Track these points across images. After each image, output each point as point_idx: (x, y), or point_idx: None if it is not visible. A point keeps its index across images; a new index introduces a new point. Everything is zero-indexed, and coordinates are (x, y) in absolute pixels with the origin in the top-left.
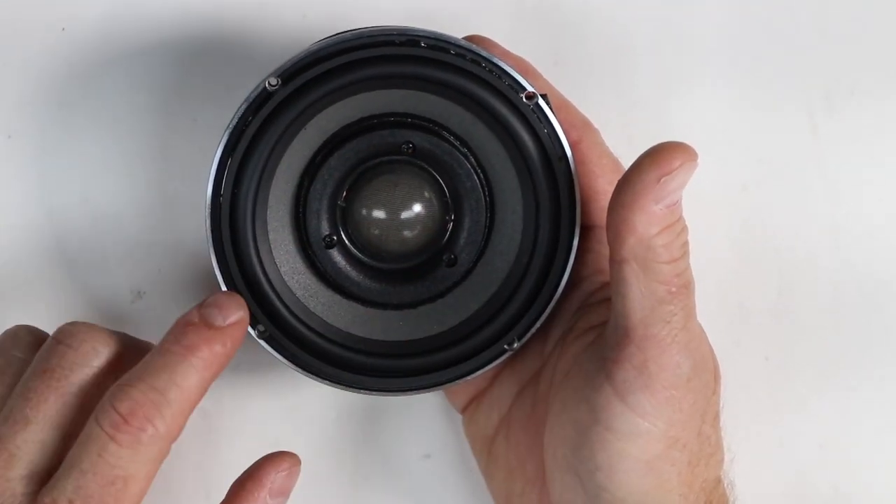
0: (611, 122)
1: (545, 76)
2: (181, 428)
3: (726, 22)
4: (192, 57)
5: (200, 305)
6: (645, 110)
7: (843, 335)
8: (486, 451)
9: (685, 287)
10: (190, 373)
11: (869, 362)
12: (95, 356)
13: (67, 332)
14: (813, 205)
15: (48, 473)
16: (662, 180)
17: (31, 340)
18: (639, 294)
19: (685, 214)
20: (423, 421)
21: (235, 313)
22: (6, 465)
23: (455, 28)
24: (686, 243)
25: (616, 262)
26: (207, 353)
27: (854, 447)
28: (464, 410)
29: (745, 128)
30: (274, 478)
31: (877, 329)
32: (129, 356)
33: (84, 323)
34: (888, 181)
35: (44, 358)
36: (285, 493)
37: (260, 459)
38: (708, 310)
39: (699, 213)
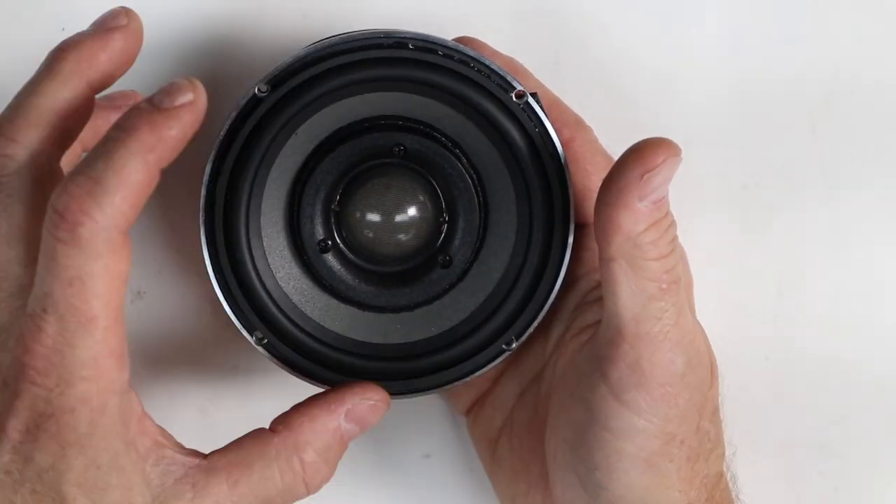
0: (611, 122)
1: (545, 76)
2: (129, 215)
3: (726, 21)
4: (191, 57)
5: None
6: (645, 110)
7: (842, 335)
8: (491, 453)
9: (675, 283)
10: (128, 157)
11: (869, 362)
12: (16, 158)
13: None
14: (813, 205)
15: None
16: (646, 177)
17: None
18: (629, 292)
19: (684, 216)
20: (423, 421)
21: (185, 94)
22: None
23: (455, 30)
24: (675, 239)
25: (605, 260)
26: (148, 135)
27: (854, 447)
28: (467, 413)
29: (745, 128)
30: (357, 402)
31: (876, 328)
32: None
33: (2, 127)
34: (888, 180)
35: None
36: (363, 424)
37: (350, 382)
38: (708, 310)
39: (699, 213)
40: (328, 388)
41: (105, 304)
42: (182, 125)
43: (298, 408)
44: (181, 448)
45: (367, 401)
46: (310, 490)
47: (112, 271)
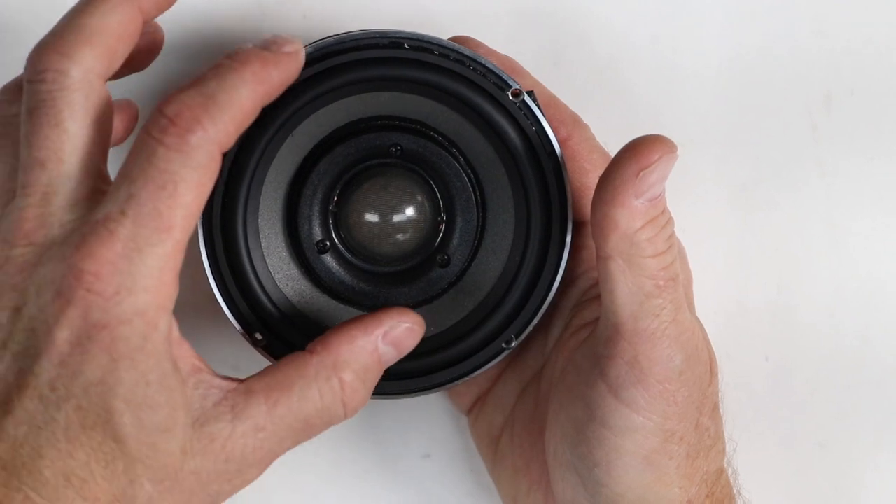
0: (608, 123)
1: (542, 77)
2: (231, 137)
3: (726, 21)
4: (192, 57)
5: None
6: (642, 110)
7: (842, 334)
8: (492, 451)
9: (672, 280)
10: (240, 83)
11: (869, 361)
12: (70, 73)
13: (35, 69)
14: (812, 205)
15: (95, 196)
16: (642, 174)
17: (12, 88)
18: (626, 290)
19: (685, 215)
20: (423, 421)
21: (291, 45)
22: (43, 202)
23: (454, 30)
24: (672, 236)
25: (602, 258)
26: (260, 69)
27: (854, 447)
28: (468, 412)
29: (745, 126)
30: (394, 324)
31: (876, 328)
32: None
33: (52, 43)
34: (887, 180)
35: (25, 101)
36: (399, 347)
37: (386, 307)
38: (707, 309)
39: (699, 213)
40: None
41: (186, 215)
42: (287, 70)
43: (336, 329)
44: (216, 374)
45: (403, 323)
46: (348, 412)
47: (203, 185)
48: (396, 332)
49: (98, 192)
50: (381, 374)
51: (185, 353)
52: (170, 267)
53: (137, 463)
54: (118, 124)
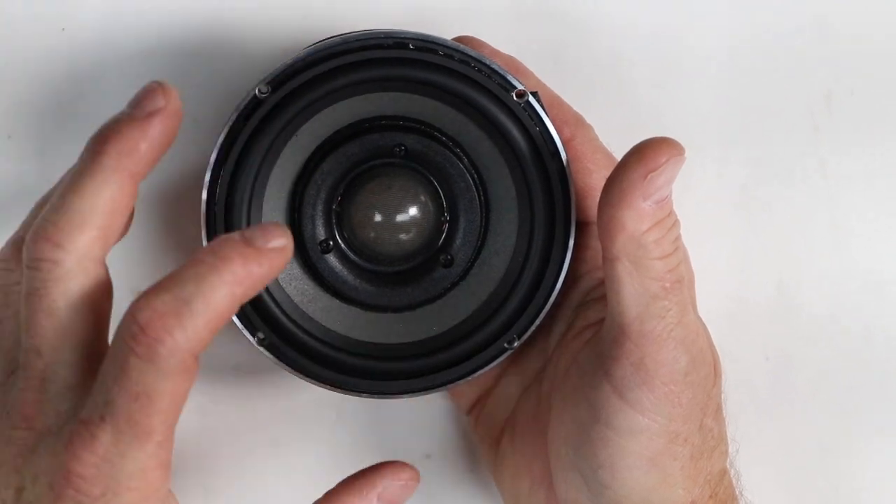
0: (611, 123)
1: (545, 76)
2: (205, 343)
3: (726, 21)
4: (192, 57)
5: (243, 230)
6: (645, 110)
7: (843, 335)
8: (494, 451)
9: (678, 282)
10: (219, 285)
11: (869, 362)
12: (63, 264)
13: (30, 256)
14: (813, 205)
15: (85, 388)
16: (649, 177)
17: (9, 254)
18: (632, 291)
19: (685, 215)
20: (423, 421)
21: (279, 239)
22: (40, 388)
23: (455, 30)
24: (678, 238)
25: (608, 260)
26: (241, 269)
27: (854, 447)
28: (469, 411)
29: (745, 128)
30: (388, 484)
31: (877, 328)
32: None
33: (45, 231)
34: (888, 181)
35: (24, 285)
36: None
37: (379, 463)
38: (708, 309)
39: (699, 213)
40: (327, 387)
41: (164, 420)
42: (272, 267)
43: (331, 495)
44: None
45: (397, 482)
46: None
47: (178, 391)
48: (391, 491)
49: (93, 376)
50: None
51: None
52: (154, 465)
53: None
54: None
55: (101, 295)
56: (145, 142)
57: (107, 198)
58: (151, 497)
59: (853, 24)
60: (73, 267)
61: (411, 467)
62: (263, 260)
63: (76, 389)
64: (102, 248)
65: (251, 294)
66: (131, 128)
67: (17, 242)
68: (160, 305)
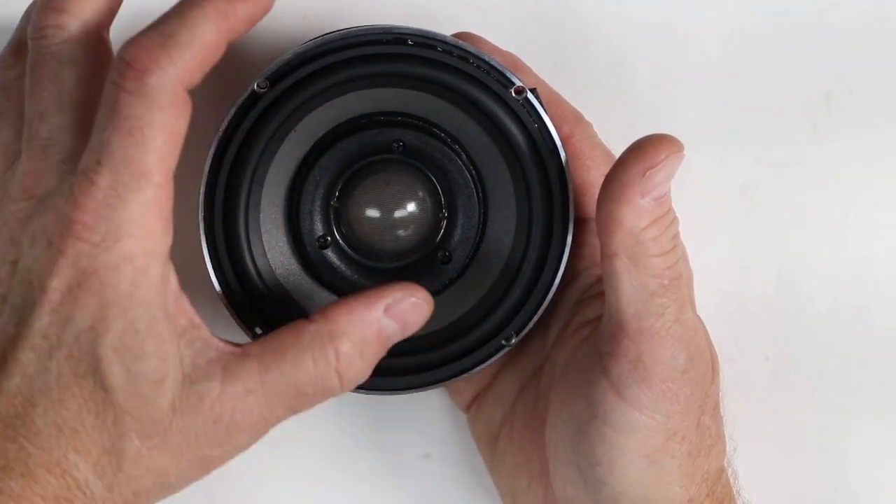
0: (611, 122)
1: (545, 77)
2: (195, 74)
3: (726, 21)
4: None
5: None
6: (645, 110)
7: (843, 335)
8: (491, 448)
9: (677, 279)
10: (202, 18)
11: (869, 362)
12: (68, 27)
13: (36, 27)
14: (812, 205)
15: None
16: (648, 173)
17: (9, 53)
18: (630, 288)
19: (685, 214)
20: (423, 421)
21: None
22: (42, 155)
23: (454, 28)
24: (676, 235)
25: (606, 256)
26: (224, 3)
27: (854, 447)
28: (468, 408)
29: (745, 128)
30: (399, 297)
31: (877, 329)
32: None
33: (47, 5)
34: (888, 181)
35: (29, 58)
36: (404, 323)
37: (396, 281)
38: (708, 310)
39: (699, 213)
40: None
41: (160, 158)
42: (255, 4)
43: (338, 301)
44: (215, 335)
45: (409, 298)
46: (343, 384)
47: (172, 126)
48: (401, 307)
49: None
50: (382, 349)
51: (183, 308)
52: (154, 213)
53: (126, 415)
54: None
55: (104, 61)
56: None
57: None
58: (151, 250)
59: (853, 23)
60: (77, 30)
61: (426, 291)
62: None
63: (77, 155)
64: (106, 13)
65: (238, 31)
66: None
67: (15, 43)
68: (146, 41)
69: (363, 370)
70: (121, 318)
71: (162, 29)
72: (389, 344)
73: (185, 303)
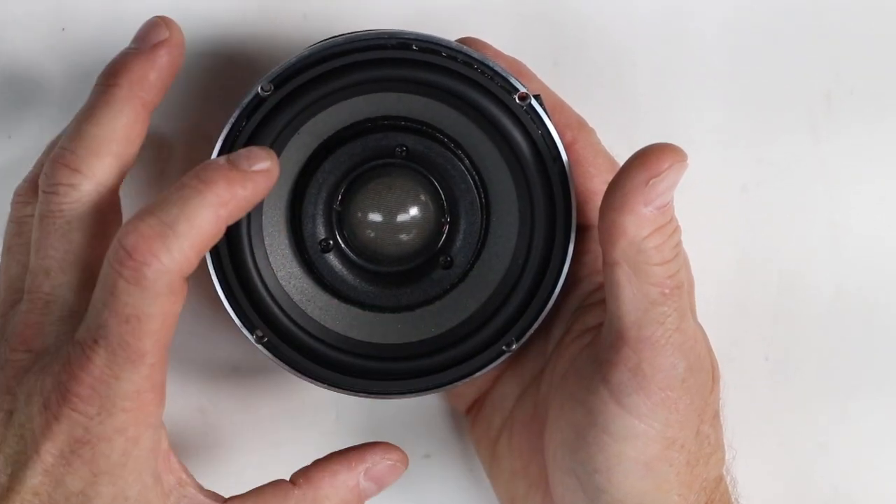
0: (611, 124)
1: (545, 78)
2: (192, 264)
3: (726, 22)
4: (192, 58)
5: (229, 154)
6: (645, 111)
7: (843, 335)
8: (490, 453)
9: (678, 288)
10: (202, 207)
11: (869, 362)
12: (80, 188)
13: (48, 182)
14: (813, 205)
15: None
16: (651, 182)
17: (26, 189)
18: (631, 296)
19: (685, 215)
20: (423, 421)
21: (263, 162)
22: (44, 310)
23: (455, 30)
24: (679, 244)
25: (608, 264)
26: (225, 191)
27: (854, 447)
28: (467, 412)
29: (745, 128)
30: (377, 461)
31: (877, 329)
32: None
33: (63, 158)
34: (888, 181)
35: (38, 209)
36: (381, 483)
37: (371, 442)
38: (708, 310)
39: (699, 213)
40: (325, 386)
41: (156, 341)
42: (257, 190)
43: (319, 463)
44: (202, 489)
45: (386, 461)
46: None
47: (167, 312)
48: (379, 469)
49: None
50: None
51: (172, 466)
52: (148, 387)
53: None
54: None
55: (112, 222)
56: (154, 71)
57: (122, 125)
58: (143, 421)
59: (853, 23)
60: (89, 191)
61: (401, 450)
62: (248, 182)
63: (77, 315)
64: (118, 174)
65: (236, 215)
66: (139, 60)
67: (32, 179)
68: (146, 229)
69: None
70: (111, 485)
71: (162, 217)
72: (365, 501)
73: (174, 460)
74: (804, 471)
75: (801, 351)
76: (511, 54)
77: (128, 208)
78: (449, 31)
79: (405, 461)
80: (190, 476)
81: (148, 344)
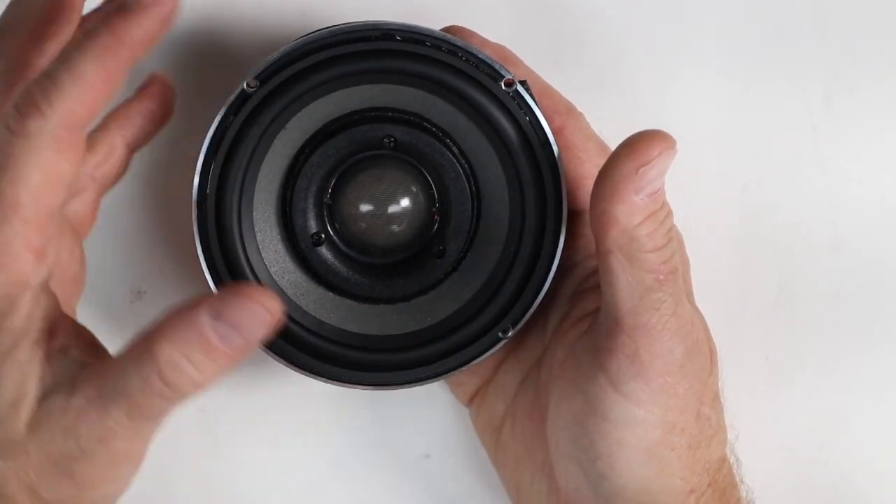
0: (610, 121)
1: (545, 76)
2: (79, 117)
3: (726, 20)
4: (190, 56)
5: None
6: (644, 109)
7: (843, 334)
8: (495, 441)
9: (672, 273)
10: (83, 58)
11: (869, 361)
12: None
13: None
14: (813, 203)
15: None
16: (641, 170)
17: None
18: (626, 284)
19: (684, 214)
20: (423, 420)
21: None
22: None
23: (449, 22)
24: (671, 229)
25: (602, 253)
26: (107, 37)
27: (854, 447)
28: (470, 402)
29: (745, 126)
30: (232, 302)
31: (877, 328)
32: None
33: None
34: (888, 180)
35: None
36: (240, 329)
37: (237, 286)
38: (708, 309)
39: (699, 212)
40: (324, 380)
41: (33, 195)
42: (144, 28)
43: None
44: (91, 350)
45: (249, 305)
46: (174, 389)
47: (50, 167)
48: (232, 312)
49: None
50: (218, 355)
51: (62, 331)
52: (21, 244)
53: None
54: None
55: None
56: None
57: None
58: (22, 280)
59: (853, 23)
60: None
61: (272, 299)
62: (132, 23)
63: None
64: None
65: (133, 57)
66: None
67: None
68: (32, 86)
69: (195, 376)
70: None
71: (48, 73)
72: (225, 351)
73: (65, 325)
74: (804, 471)
75: (801, 350)
76: (512, 49)
77: (117, 210)
78: (444, 23)
79: (275, 310)
80: (80, 338)
81: (23, 195)
